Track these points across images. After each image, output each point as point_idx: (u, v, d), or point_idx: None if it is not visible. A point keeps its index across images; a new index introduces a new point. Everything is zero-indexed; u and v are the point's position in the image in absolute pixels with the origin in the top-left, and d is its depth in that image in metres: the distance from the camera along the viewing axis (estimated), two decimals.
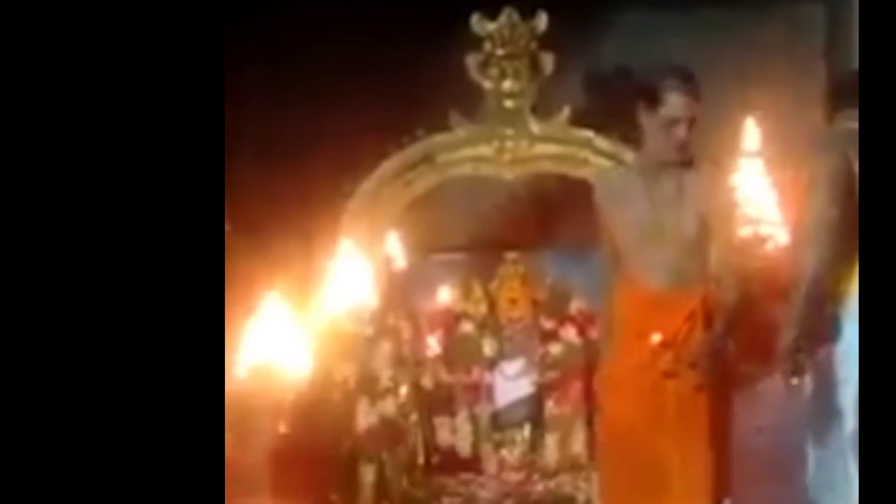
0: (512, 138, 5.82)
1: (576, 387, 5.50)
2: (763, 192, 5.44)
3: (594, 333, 5.52)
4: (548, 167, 5.83)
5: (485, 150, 5.84)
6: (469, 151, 5.84)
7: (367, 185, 5.69)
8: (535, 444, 5.53)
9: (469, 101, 5.84)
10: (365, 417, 5.33)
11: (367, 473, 5.29)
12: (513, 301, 5.67)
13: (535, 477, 5.50)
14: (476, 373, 5.58)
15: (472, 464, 5.51)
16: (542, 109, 5.83)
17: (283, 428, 4.95)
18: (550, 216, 5.74)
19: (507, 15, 5.82)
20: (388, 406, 5.41)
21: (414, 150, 5.77)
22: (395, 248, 5.68)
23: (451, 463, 5.52)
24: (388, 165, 5.73)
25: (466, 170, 5.85)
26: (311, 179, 5.53)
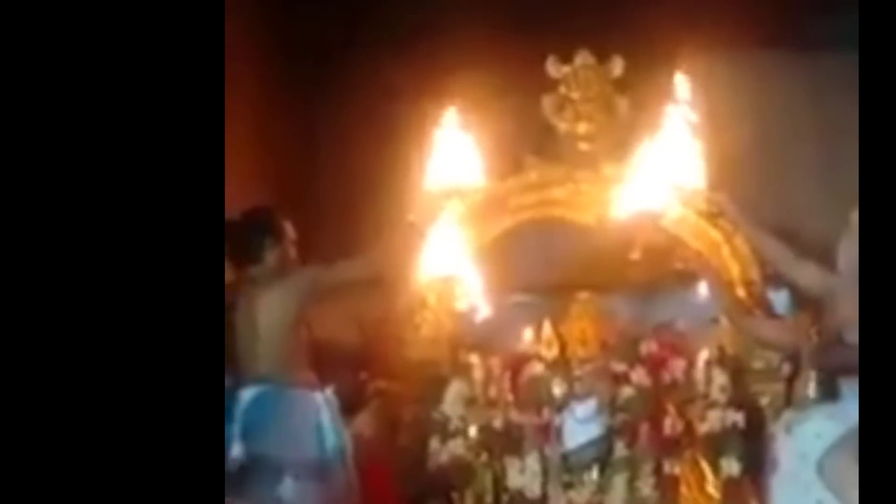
0: (586, 181, 5.87)
1: (645, 429, 5.51)
2: None
3: (665, 376, 5.57)
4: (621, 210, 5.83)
5: (558, 192, 5.88)
6: (543, 195, 5.87)
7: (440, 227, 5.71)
8: (603, 486, 5.52)
9: (543, 143, 5.88)
10: (435, 457, 5.38)
11: None
12: (583, 342, 5.69)
13: None
14: (546, 414, 5.60)
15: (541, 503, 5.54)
16: (617, 152, 5.85)
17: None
18: (623, 258, 5.74)
19: (583, 58, 5.88)
20: (458, 446, 5.46)
21: (487, 193, 5.77)
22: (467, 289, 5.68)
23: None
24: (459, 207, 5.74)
25: (540, 213, 5.87)
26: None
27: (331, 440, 4.78)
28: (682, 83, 5.22)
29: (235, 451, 4.67)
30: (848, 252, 4.28)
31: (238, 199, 5.52)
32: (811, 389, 4.36)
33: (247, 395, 4.77)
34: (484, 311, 5.46)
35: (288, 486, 4.68)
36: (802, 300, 4.82)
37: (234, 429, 4.71)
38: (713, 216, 5.34)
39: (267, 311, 4.80)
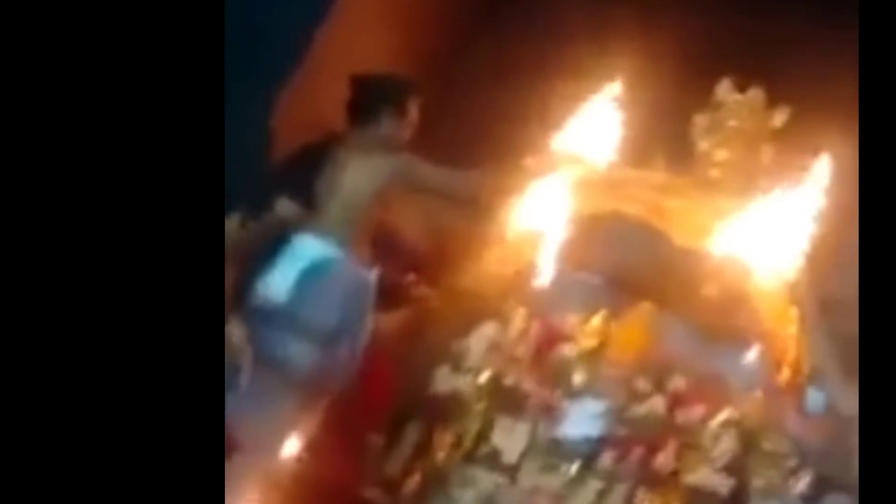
0: (701, 204, 5.82)
1: (638, 452, 5.49)
2: None
3: (680, 415, 5.56)
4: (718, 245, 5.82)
5: (671, 202, 5.86)
6: (654, 196, 5.86)
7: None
8: (574, 485, 5.50)
9: (679, 152, 5.87)
10: (437, 383, 5.43)
11: (413, 433, 5.39)
12: (623, 347, 5.67)
13: None
14: (557, 395, 5.62)
15: (511, 471, 5.51)
16: (742, 192, 5.80)
17: None
18: (697, 289, 5.72)
19: (754, 94, 5.83)
20: (465, 383, 5.50)
21: (606, 172, 5.76)
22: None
23: (493, 462, 5.55)
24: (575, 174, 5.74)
25: (644, 212, 5.85)
26: None
27: (352, 319, 4.85)
28: (824, 167, 5.21)
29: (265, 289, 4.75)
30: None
31: (376, 57, 5.60)
32: (802, 484, 4.37)
33: (303, 242, 4.83)
34: (544, 277, 5.48)
35: (293, 340, 4.76)
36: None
37: (278, 264, 4.77)
38: (789, 300, 5.31)
39: (355, 176, 4.86)
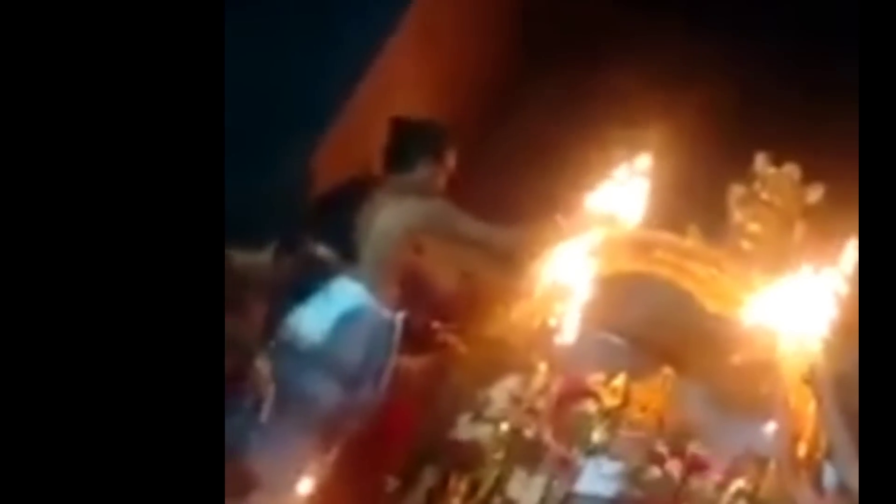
0: (730, 275, 5.86)
1: None
2: None
3: (694, 482, 5.58)
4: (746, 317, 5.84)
5: (700, 269, 5.89)
6: (683, 261, 5.87)
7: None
8: None
9: (712, 220, 5.92)
10: (457, 430, 5.47)
11: (429, 478, 5.43)
12: (644, 409, 5.72)
13: None
14: (574, 451, 5.65)
15: None
16: (773, 266, 5.80)
17: None
18: (723, 358, 5.74)
19: (790, 170, 5.88)
20: (484, 433, 5.54)
21: (637, 233, 5.79)
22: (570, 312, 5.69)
23: None
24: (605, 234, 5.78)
25: (672, 276, 5.87)
26: None
27: (377, 360, 4.89)
28: (849, 255, 5.25)
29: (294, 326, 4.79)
30: None
31: (419, 106, 5.68)
32: None
33: (334, 280, 4.89)
34: (569, 334, 5.53)
35: (317, 378, 4.80)
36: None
37: (308, 301, 4.83)
38: (806, 377, 5.34)
39: (387, 218, 4.91)
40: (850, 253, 5.37)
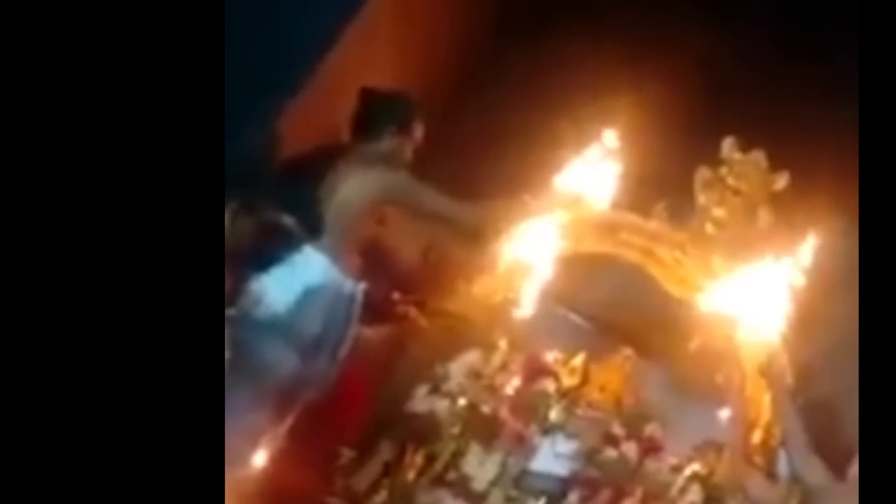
0: (694, 259, 5.85)
1: (605, 496, 5.53)
2: None
3: (650, 464, 5.59)
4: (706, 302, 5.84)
5: (664, 253, 5.88)
6: (648, 243, 5.84)
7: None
8: None
9: (677, 203, 5.92)
10: (414, 403, 5.47)
11: (385, 450, 5.42)
12: (602, 389, 5.73)
13: None
14: (531, 429, 5.65)
15: (477, 499, 5.53)
16: (735, 252, 5.79)
17: None
18: (681, 343, 5.74)
19: (756, 157, 5.87)
20: (442, 406, 5.53)
21: (605, 215, 5.78)
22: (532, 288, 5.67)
23: (461, 488, 5.58)
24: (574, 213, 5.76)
25: (636, 259, 5.86)
26: None
27: (335, 329, 4.87)
28: (808, 248, 5.27)
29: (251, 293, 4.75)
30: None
31: (389, 76, 5.65)
32: None
33: (294, 248, 4.85)
34: (528, 309, 5.52)
35: (273, 346, 4.77)
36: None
37: (267, 269, 4.79)
38: (762, 368, 5.35)
39: (350, 187, 4.89)
40: (811, 244, 5.39)
